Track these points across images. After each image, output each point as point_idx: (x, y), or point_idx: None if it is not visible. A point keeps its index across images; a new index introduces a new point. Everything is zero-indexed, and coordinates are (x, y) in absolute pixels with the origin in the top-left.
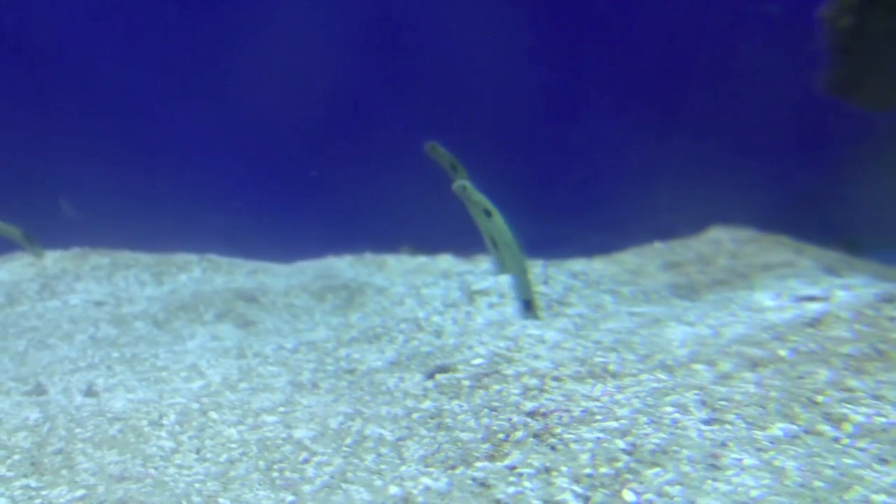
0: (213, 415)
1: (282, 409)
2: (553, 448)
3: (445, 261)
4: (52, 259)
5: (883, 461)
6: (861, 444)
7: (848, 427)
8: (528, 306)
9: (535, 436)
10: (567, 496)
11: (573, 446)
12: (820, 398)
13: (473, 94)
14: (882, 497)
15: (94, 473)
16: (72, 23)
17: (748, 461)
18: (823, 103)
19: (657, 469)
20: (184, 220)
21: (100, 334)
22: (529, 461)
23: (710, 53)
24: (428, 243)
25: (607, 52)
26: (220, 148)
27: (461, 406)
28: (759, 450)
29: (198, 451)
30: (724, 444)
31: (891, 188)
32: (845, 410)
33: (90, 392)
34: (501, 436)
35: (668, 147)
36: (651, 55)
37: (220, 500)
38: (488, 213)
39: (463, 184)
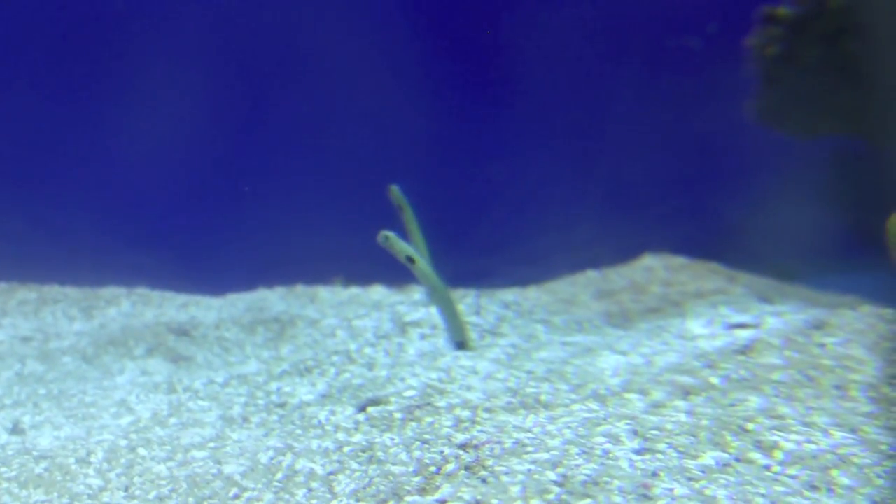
0: (142, 451)
1: (212, 444)
2: (484, 481)
3: (378, 292)
4: None
5: (813, 488)
6: (791, 471)
7: (779, 454)
8: (460, 347)
9: (467, 468)
10: None
11: (504, 479)
12: (751, 426)
13: (399, 131)
14: None
15: None
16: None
17: (679, 490)
18: (748, 132)
19: (588, 500)
20: (113, 253)
21: (26, 370)
22: (460, 494)
23: (629, 86)
24: (361, 275)
25: (525, 90)
26: (149, 179)
27: (393, 439)
28: (690, 479)
29: (126, 489)
30: (655, 474)
31: (818, 215)
32: (776, 438)
33: (16, 430)
34: (433, 469)
35: (590, 179)
36: (569, 90)
37: None
38: (411, 261)
39: (385, 234)
